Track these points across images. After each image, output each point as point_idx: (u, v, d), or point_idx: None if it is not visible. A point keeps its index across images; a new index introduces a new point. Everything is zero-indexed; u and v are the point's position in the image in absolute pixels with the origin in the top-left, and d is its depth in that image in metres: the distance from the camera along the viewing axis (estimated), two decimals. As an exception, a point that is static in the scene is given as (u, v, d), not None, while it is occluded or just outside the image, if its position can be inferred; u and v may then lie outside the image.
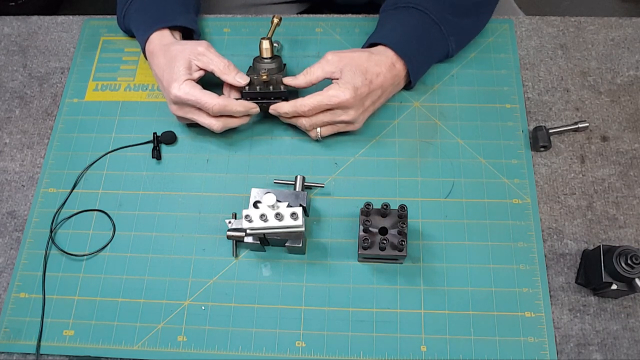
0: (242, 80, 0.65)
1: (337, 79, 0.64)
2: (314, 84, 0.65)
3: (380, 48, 0.67)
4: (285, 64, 0.70)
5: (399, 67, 0.66)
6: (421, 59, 0.68)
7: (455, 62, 0.74)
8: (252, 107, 0.66)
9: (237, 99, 0.66)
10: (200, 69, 0.66)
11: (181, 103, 0.65)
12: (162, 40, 0.68)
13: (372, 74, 0.64)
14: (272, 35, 0.69)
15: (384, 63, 0.65)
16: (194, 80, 0.65)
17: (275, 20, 0.70)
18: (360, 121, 0.67)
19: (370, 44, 0.68)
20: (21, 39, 0.81)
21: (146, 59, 0.71)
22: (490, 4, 0.72)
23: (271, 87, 0.66)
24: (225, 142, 0.71)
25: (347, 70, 0.63)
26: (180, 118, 0.68)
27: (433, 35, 0.68)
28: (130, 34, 0.77)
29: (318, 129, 0.66)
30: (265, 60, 0.68)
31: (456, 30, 0.69)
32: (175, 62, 0.65)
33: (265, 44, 0.68)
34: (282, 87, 0.66)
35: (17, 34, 0.81)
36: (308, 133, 0.68)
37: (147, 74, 0.76)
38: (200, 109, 0.64)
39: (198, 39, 0.72)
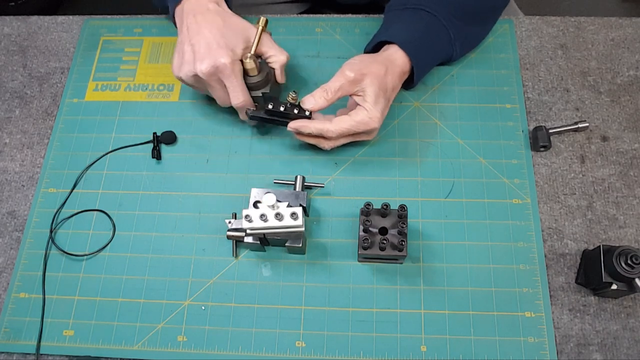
0: (284, 80, 0.67)
1: (360, 96, 0.63)
2: (333, 103, 0.63)
3: (391, 52, 0.65)
4: (272, 69, 0.67)
5: (407, 72, 0.67)
6: (426, 61, 0.68)
7: (456, 62, 0.74)
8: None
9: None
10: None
11: (214, 74, 0.61)
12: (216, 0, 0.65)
13: (390, 90, 0.64)
14: (256, 46, 0.64)
15: (397, 73, 0.65)
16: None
17: (260, 27, 0.64)
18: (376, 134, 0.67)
19: (377, 42, 0.68)
20: (21, 39, 0.81)
21: (173, 19, 0.67)
22: (496, 13, 0.73)
23: (296, 111, 0.63)
24: (225, 142, 0.71)
25: (371, 91, 0.62)
26: (191, 80, 0.64)
27: (440, 38, 0.68)
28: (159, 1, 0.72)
29: None
30: (252, 77, 0.65)
31: (463, 35, 0.69)
32: (237, 32, 0.63)
33: (249, 64, 0.63)
34: (307, 112, 0.63)
35: (17, 34, 0.81)
36: (320, 146, 0.67)
37: (147, 74, 0.76)
38: (224, 86, 0.63)
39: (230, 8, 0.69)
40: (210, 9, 0.64)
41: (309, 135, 0.65)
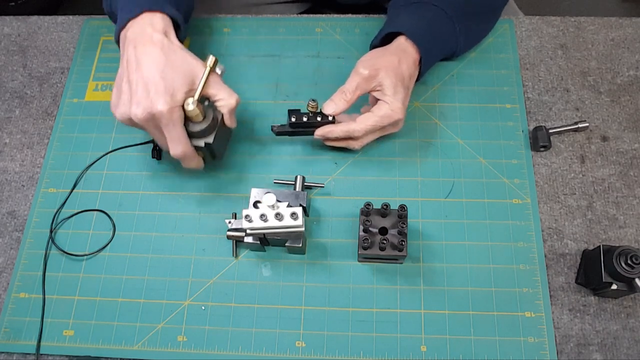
0: (234, 124, 0.62)
1: (378, 91, 0.63)
2: (354, 103, 0.63)
3: (400, 42, 0.65)
4: (220, 115, 0.61)
5: (417, 61, 0.66)
6: (433, 51, 0.68)
7: (455, 62, 0.74)
8: (200, 166, 0.63)
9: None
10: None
11: (151, 121, 0.56)
12: (161, 26, 0.59)
13: (407, 79, 0.64)
14: (201, 90, 0.57)
15: (411, 62, 0.64)
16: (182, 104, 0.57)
17: (208, 68, 0.58)
18: (403, 124, 0.66)
19: (384, 36, 0.67)
20: (21, 39, 0.81)
21: (118, 42, 0.61)
22: (496, 12, 0.73)
23: (319, 118, 0.63)
24: (225, 142, 0.71)
25: (388, 83, 0.62)
26: (127, 122, 0.58)
27: (446, 31, 0.68)
28: (112, 17, 0.67)
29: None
30: (195, 125, 0.58)
31: (467, 30, 0.69)
32: (179, 71, 0.57)
33: (193, 112, 0.56)
34: (330, 116, 0.63)
35: (17, 34, 0.81)
36: (350, 147, 0.67)
37: (147, 74, 0.76)
38: (162, 132, 0.58)
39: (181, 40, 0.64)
40: (155, 40, 0.57)
41: (336, 139, 0.65)
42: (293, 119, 0.63)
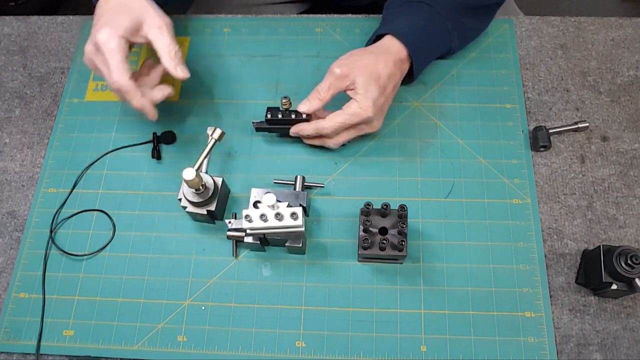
0: (182, 73, 0.62)
1: (352, 90, 0.63)
2: (328, 102, 0.64)
3: (385, 41, 0.66)
4: (220, 182, 0.63)
5: (404, 59, 0.66)
6: (426, 52, 0.68)
7: (455, 62, 0.74)
8: (150, 113, 0.62)
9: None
10: (145, 39, 0.62)
11: (99, 51, 0.59)
12: None
13: (384, 78, 0.63)
14: (205, 158, 0.61)
15: (391, 61, 0.64)
16: (128, 41, 0.60)
17: (212, 140, 0.62)
18: (380, 124, 0.67)
19: (377, 36, 0.67)
20: (21, 39, 0.81)
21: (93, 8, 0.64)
22: (493, 6, 0.73)
23: (293, 115, 0.64)
24: (225, 142, 0.71)
25: (360, 81, 0.62)
26: (87, 61, 0.62)
27: (439, 29, 0.68)
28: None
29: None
30: (199, 195, 0.61)
31: (461, 27, 0.69)
32: (126, 12, 0.60)
33: (192, 180, 0.57)
34: (304, 114, 0.64)
35: (17, 34, 0.81)
36: (326, 145, 0.67)
37: (147, 74, 0.76)
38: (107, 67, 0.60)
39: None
40: None
41: (309, 136, 0.66)
42: (269, 116, 0.65)
